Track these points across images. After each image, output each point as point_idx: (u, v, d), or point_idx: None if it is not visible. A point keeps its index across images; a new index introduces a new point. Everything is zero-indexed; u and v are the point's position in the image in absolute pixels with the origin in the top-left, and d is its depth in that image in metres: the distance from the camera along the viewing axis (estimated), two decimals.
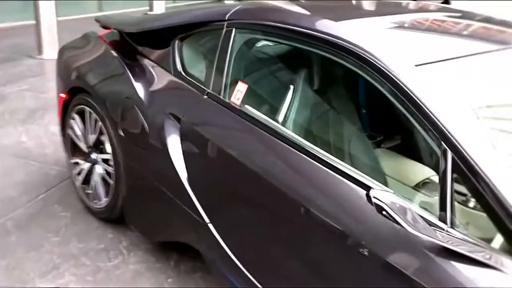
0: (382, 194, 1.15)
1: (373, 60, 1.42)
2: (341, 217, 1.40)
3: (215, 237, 1.80)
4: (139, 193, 2.24)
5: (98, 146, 2.51)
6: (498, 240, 1.16)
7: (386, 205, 1.13)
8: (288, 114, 1.78)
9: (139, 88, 2.14)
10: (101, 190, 2.50)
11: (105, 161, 2.44)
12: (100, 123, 2.36)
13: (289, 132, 1.69)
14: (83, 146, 2.60)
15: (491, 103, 1.50)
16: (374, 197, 1.15)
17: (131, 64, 2.27)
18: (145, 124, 2.06)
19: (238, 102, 1.81)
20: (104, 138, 2.43)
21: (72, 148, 2.72)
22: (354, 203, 1.37)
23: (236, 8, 1.96)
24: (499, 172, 1.16)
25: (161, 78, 2.16)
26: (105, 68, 2.37)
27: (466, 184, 1.19)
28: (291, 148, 1.59)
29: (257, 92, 1.86)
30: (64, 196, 2.77)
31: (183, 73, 2.10)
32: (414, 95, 1.32)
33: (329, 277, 1.48)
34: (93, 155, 2.55)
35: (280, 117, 1.76)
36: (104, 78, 2.35)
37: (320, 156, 1.51)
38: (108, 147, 2.40)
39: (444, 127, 1.24)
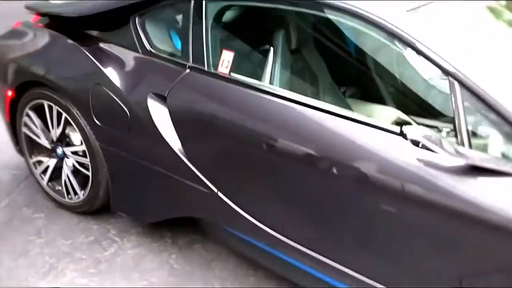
0: (414, 129, 1.31)
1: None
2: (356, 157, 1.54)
3: (226, 203, 1.88)
4: (124, 177, 2.22)
5: (62, 140, 2.42)
6: None
7: (422, 138, 1.29)
8: (274, 74, 1.87)
9: (109, 72, 2.08)
10: (75, 184, 2.43)
11: (75, 153, 2.36)
12: (64, 115, 2.27)
13: (279, 89, 1.79)
14: (44, 142, 2.48)
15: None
16: (408, 133, 1.30)
17: (91, 49, 2.18)
18: (124, 108, 2.03)
19: (227, 71, 1.85)
20: (70, 130, 2.35)
21: (30, 147, 2.58)
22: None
23: None
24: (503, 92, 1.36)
25: (129, 59, 2.12)
26: (62, 57, 2.25)
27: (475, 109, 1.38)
28: (285, 103, 1.70)
29: (241, 57, 1.90)
30: (30, 198, 2.63)
31: (153, 50, 2.07)
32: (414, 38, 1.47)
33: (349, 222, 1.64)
34: (59, 150, 2.45)
35: (268, 77, 1.85)
36: (63, 68, 2.24)
37: (317, 105, 1.64)
38: (76, 138, 2.33)
39: (449, 63, 1.41)
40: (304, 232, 1.76)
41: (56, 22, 2.41)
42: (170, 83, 1.95)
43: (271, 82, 1.88)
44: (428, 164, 1.35)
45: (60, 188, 2.55)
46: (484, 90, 1.34)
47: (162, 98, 1.97)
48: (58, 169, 2.50)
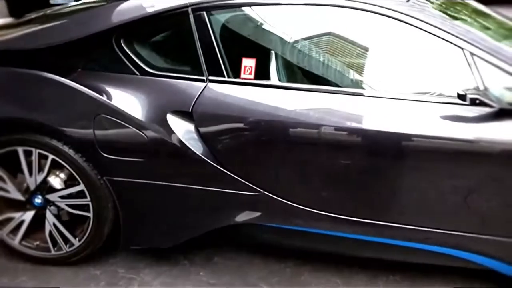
0: (470, 90, 1.68)
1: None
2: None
3: (276, 199, 1.97)
4: (142, 205, 2.10)
5: (40, 188, 2.15)
6: None
7: (478, 95, 1.67)
8: (295, 69, 2.02)
9: (111, 100, 1.97)
10: (65, 232, 2.18)
11: (65, 196, 2.14)
12: (51, 157, 2.04)
13: (303, 84, 1.98)
14: (16, 195, 2.17)
15: None
16: (466, 93, 1.66)
17: (78, 80, 2.01)
18: (139, 132, 1.95)
19: (251, 76, 1.95)
20: (53, 174, 2.11)
21: None
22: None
23: None
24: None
25: (129, 83, 2.02)
26: (46, 95, 2.01)
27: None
28: (320, 95, 1.90)
29: (261, 60, 2.00)
30: None
31: (152, 70, 2.03)
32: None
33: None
34: (37, 199, 2.17)
35: (291, 73, 2.00)
36: (50, 106, 2.00)
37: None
38: (57, 182, 2.11)
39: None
40: (366, 207, 1.96)
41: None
42: (191, 98, 1.95)
43: (292, 78, 2.01)
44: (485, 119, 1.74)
45: (38, 243, 2.25)
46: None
47: (184, 115, 1.95)
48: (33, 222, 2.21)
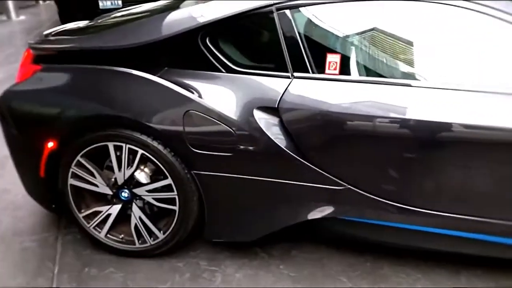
0: None
1: None
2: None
3: (362, 194, 2.01)
4: (227, 199, 2.16)
5: (128, 182, 2.24)
6: None
7: None
8: (378, 64, 2.04)
9: (200, 97, 2.03)
10: (150, 225, 2.27)
11: (152, 190, 2.21)
12: (140, 152, 2.12)
13: (392, 78, 1.98)
14: (104, 190, 2.26)
15: None
16: None
17: (168, 78, 2.08)
18: (228, 127, 2.01)
19: (336, 72, 1.99)
20: (139, 169, 2.20)
21: (76, 200, 2.32)
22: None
23: None
24: None
25: (216, 81, 2.09)
26: (138, 93, 2.09)
27: None
28: (407, 88, 1.93)
29: (345, 55, 2.03)
30: (80, 259, 2.35)
31: (238, 68, 2.09)
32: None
33: None
34: (124, 193, 2.26)
35: (373, 68, 2.03)
36: (143, 103, 2.07)
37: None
38: (142, 177, 2.19)
39: None
40: (453, 201, 1.98)
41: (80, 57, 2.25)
42: (277, 94, 2.00)
43: (374, 73, 2.03)
44: None
45: (123, 236, 2.34)
46: None
47: (270, 110, 2.01)
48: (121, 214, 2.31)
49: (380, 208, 2.03)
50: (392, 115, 1.91)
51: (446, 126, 1.87)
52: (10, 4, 9.12)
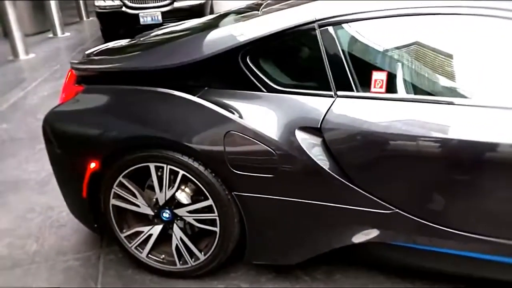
0: None
1: None
2: None
3: (410, 218, 1.91)
4: (268, 222, 2.11)
5: (169, 202, 2.22)
6: None
7: None
8: (425, 82, 1.95)
9: (241, 118, 2.00)
10: (192, 246, 2.24)
11: (192, 211, 2.19)
12: (182, 173, 2.10)
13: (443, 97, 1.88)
14: (145, 210, 2.26)
15: None
16: None
17: (208, 99, 2.06)
18: (269, 148, 1.96)
19: (382, 90, 1.91)
20: (179, 189, 2.17)
21: (118, 220, 2.32)
22: None
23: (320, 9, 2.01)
24: None
25: (257, 101, 2.05)
26: (179, 114, 2.08)
27: None
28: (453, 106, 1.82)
29: (390, 73, 1.95)
30: (122, 280, 2.35)
31: (279, 87, 2.04)
32: None
33: None
34: (166, 214, 2.24)
35: (420, 86, 1.94)
36: (184, 124, 2.06)
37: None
38: (185, 196, 2.16)
39: None
40: (498, 226, 1.86)
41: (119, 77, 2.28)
42: (320, 114, 1.94)
43: (421, 91, 1.93)
44: None
45: (163, 256, 2.33)
46: None
47: (312, 131, 1.95)
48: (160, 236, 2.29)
49: (432, 234, 1.92)
50: (437, 134, 1.81)
51: (493, 147, 1.76)
52: (56, 21, 9.43)
